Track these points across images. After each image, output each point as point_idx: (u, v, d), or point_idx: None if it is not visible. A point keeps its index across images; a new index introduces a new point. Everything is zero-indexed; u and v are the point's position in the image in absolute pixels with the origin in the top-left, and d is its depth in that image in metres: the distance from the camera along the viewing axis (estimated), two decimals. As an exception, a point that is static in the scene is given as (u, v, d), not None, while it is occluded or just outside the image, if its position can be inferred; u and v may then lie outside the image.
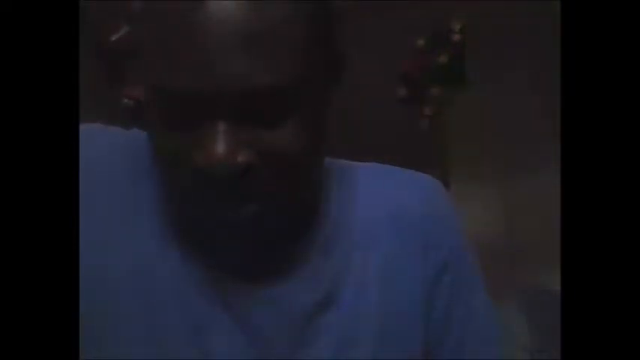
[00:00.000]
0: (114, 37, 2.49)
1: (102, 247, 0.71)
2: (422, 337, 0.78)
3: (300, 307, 0.73)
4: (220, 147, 0.61)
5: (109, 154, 0.74)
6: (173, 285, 0.71)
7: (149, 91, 0.63)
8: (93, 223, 0.71)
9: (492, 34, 2.70)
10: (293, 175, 0.65)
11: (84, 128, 0.72)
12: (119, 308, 0.71)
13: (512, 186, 2.70)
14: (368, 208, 0.78)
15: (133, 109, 2.25)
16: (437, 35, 2.81)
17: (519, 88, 2.68)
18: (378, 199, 0.79)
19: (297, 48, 0.61)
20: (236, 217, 0.65)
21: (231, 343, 0.72)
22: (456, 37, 2.79)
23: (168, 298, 0.71)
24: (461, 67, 2.80)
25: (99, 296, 0.70)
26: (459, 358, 0.81)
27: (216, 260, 0.72)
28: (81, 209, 0.69)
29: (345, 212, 0.78)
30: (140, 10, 0.63)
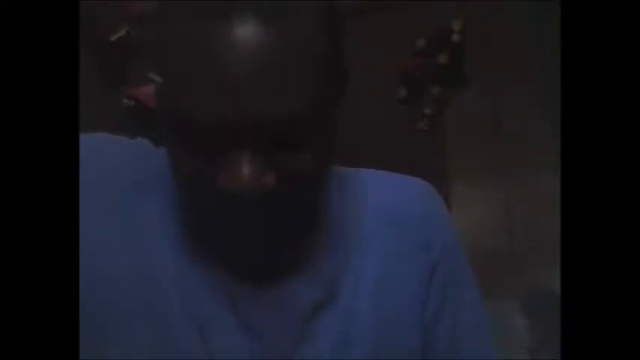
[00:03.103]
0: (114, 37, 2.48)
1: (107, 248, 0.72)
2: (419, 334, 0.79)
3: (300, 307, 0.75)
4: (245, 170, 0.63)
5: (117, 162, 0.76)
6: (176, 284, 0.72)
7: (172, 120, 0.65)
8: (99, 225, 0.72)
9: (492, 34, 2.70)
10: (308, 190, 0.68)
11: (90, 136, 0.74)
12: (124, 308, 0.72)
13: (512, 186, 2.69)
14: (365, 211, 0.81)
15: (133, 109, 2.25)
16: (437, 35, 2.80)
17: (519, 88, 2.68)
18: (374, 203, 0.82)
19: (315, 73, 0.63)
20: (249, 228, 0.68)
21: (233, 342, 0.73)
22: (456, 37, 2.78)
23: (173, 299, 0.72)
24: (461, 67, 2.80)
25: (105, 296, 0.71)
26: (452, 354, 0.82)
27: (221, 262, 0.74)
28: (88, 212, 0.71)
29: (344, 215, 0.80)
30: (163, 43, 0.64)
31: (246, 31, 0.60)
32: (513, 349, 2.37)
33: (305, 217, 0.77)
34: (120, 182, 0.74)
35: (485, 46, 2.72)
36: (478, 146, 2.74)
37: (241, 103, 0.61)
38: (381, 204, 0.81)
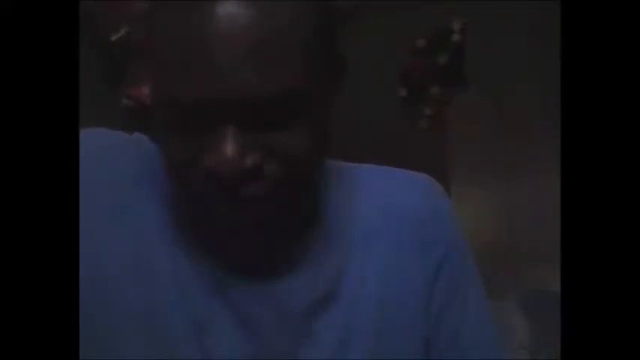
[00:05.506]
0: (114, 37, 2.48)
1: (105, 246, 0.72)
2: (421, 331, 0.79)
3: (299, 304, 0.74)
4: (229, 149, 0.62)
5: (114, 156, 0.76)
6: (175, 282, 0.72)
7: (159, 100, 0.65)
8: (97, 222, 0.72)
9: (492, 34, 2.70)
10: (297, 176, 0.67)
11: (88, 132, 0.74)
12: (120, 305, 0.72)
13: (512, 186, 2.69)
14: (367, 207, 0.80)
15: (133, 109, 2.25)
16: (437, 35, 2.81)
17: (519, 87, 2.68)
18: (376, 199, 0.80)
19: (304, 54, 0.63)
20: (240, 217, 0.67)
21: (232, 340, 0.72)
22: (456, 37, 2.78)
23: (170, 296, 0.72)
24: (461, 67, 2.80)
25: (101, 294, 0.71)
26: (456, 352, 0.81)
27: (218, 258, 0.73)
28: (86, 209, 0.70)
29: (344, 211, 0.79)
30: (150, 22, 0.64)
31: (230, 10, 0.61)
32: (513, 349, 2.37)
33: (303, 213, 0.76)
34: (118, 179, 0.74)
35: (485, 46, 2.72)
36: (478, 146, 2.74)
37: (225, 81, 0.61)
38: (384, 200, 0.80)
